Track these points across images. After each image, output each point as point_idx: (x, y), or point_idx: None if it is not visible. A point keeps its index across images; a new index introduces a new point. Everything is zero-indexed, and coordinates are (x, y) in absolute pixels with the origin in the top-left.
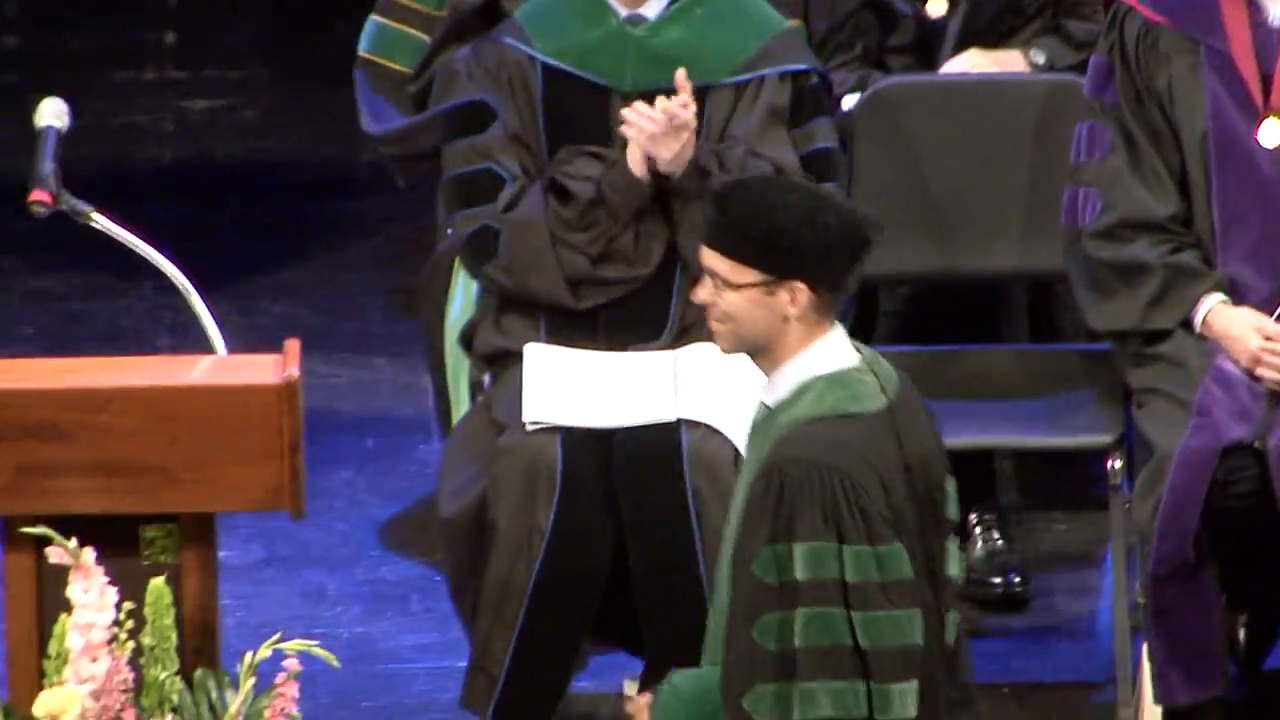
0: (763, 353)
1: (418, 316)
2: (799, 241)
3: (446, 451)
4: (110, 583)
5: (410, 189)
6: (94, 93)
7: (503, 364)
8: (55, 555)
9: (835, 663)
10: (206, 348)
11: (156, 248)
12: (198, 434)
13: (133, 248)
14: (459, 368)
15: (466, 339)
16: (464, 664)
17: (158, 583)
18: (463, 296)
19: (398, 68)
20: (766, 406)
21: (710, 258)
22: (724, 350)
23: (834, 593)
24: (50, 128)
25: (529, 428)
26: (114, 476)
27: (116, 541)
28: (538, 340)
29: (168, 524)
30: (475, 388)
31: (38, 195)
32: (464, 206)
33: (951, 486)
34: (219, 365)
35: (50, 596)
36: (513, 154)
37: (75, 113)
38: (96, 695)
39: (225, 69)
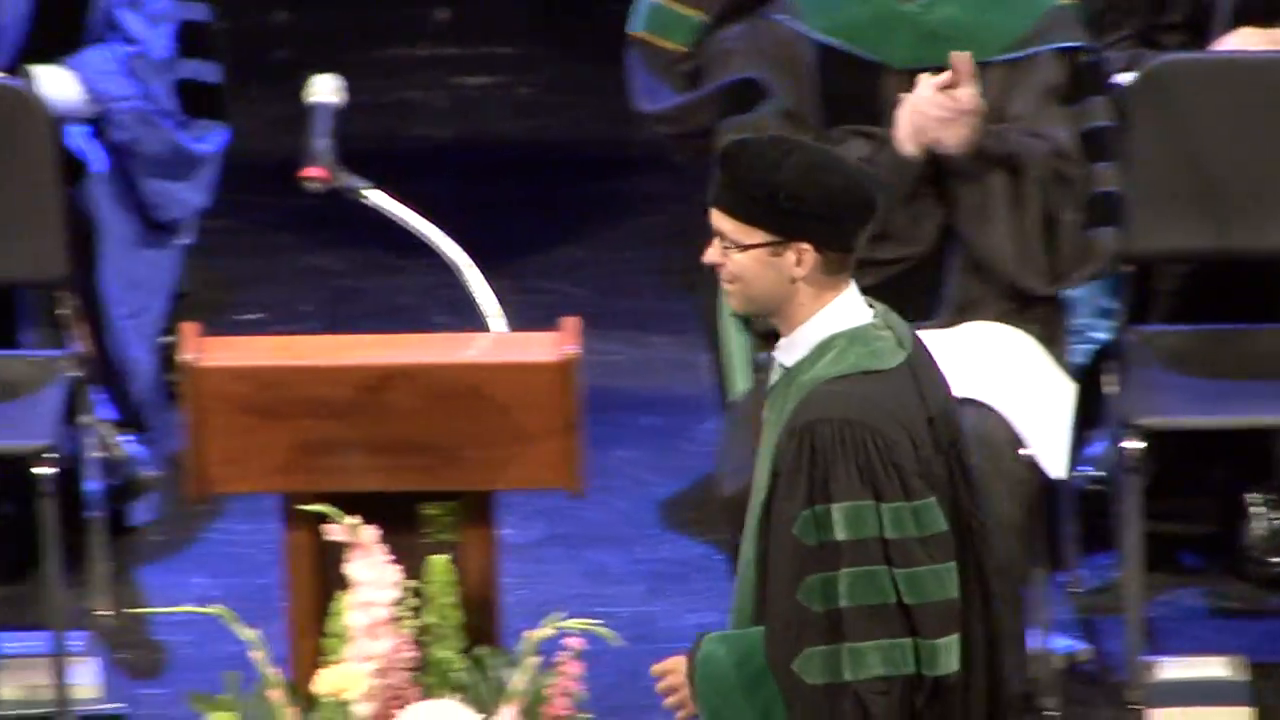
0: (776, 313)
1: (695, 294)
2: (802, 202)
3: (726, 430)
4: (390, 561)
5: (685, 167)
6: (366, 69)
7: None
8: (335, 533)
9: (882, 620)
10: (482, 325)
11: (431, 225)
12: (477, 412)
13: (408, 225)
14: (736, 344)
15: (744, 316)
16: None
17: (440, 560)
18: None
19: (671, 46)
20: (784, 367)
21: (717, 218)
22: (736, 309)
23: (876, 551)
24: (324, 104)
25: None
26: (393, 454)
27: (396, 519)
28: None
29: (449, 502)
30: (754, 366)
31: (312, 172)
32: None
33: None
34: (497, 343)
35: (330, 574)
36: (787, 131)
37: (348, 89)
38: (380, 674)
39: (500, 45)
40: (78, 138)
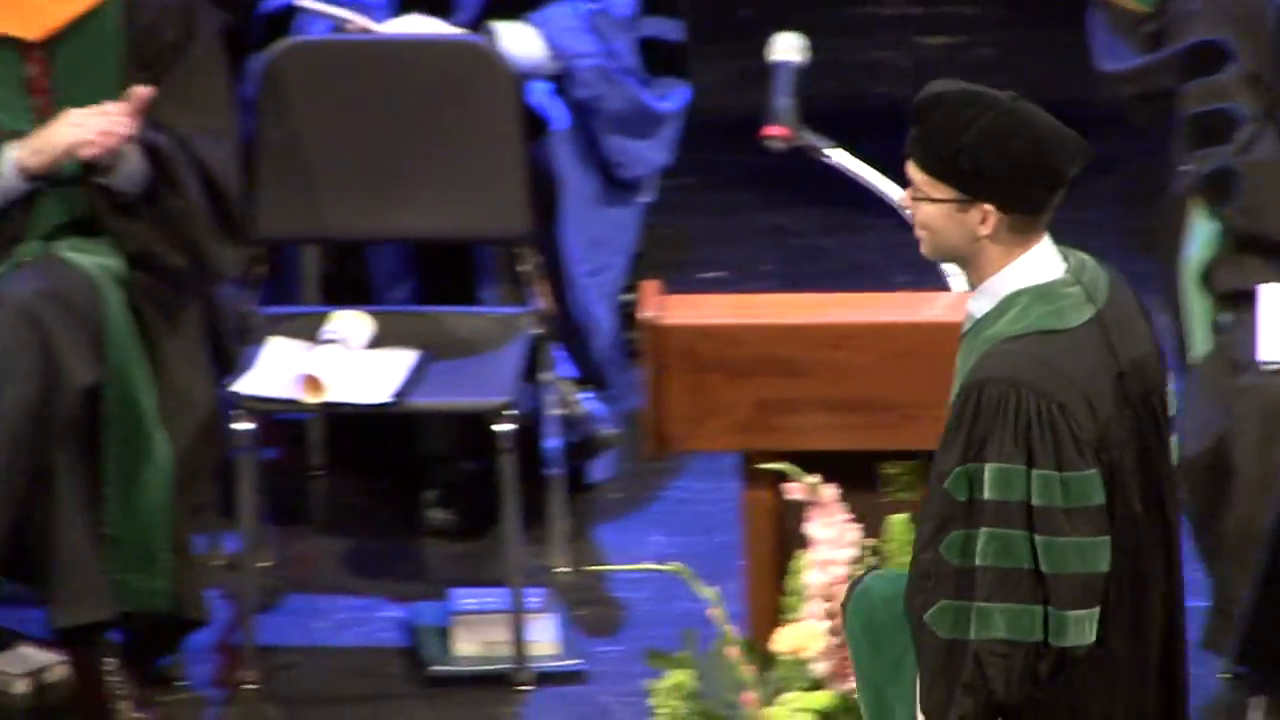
0: (964, 265)
1: (1154, 255)
2: (984, 165)
3: (1186, 392)
4: (850, 519)
5: (1145, 128)
6: (829, 27)
7: (1241, 303)
8: (794, 491)
9: (1013, 585)
10: (943, 284)
11: (893, 184)
12: (936, 371)
13: (869, 184)
14: (1196, 306)
15: (1205, 277)
16: (1205, 605)
17: (899, 519)
18: (1199, 235)
19: (1134, 7)
20: (974, 318)
21: (910, 166)
22: (926, 255)
23: (1017, 515)
24: (786, 62)
25: (1265, 368)
26: (852, 412)
27: (855, 478)
28: (1275, 280)
29: (908, 461)
30: (1216, 327)
31: (773, 130)
32: (1200, 146)
33: (1171, 385)
34: (958, 301)
35: (789, 533)
36: (1249, 94)
37: (810, 47)
38: (836, 632)
39: (962, 5)
40: (540, 94)
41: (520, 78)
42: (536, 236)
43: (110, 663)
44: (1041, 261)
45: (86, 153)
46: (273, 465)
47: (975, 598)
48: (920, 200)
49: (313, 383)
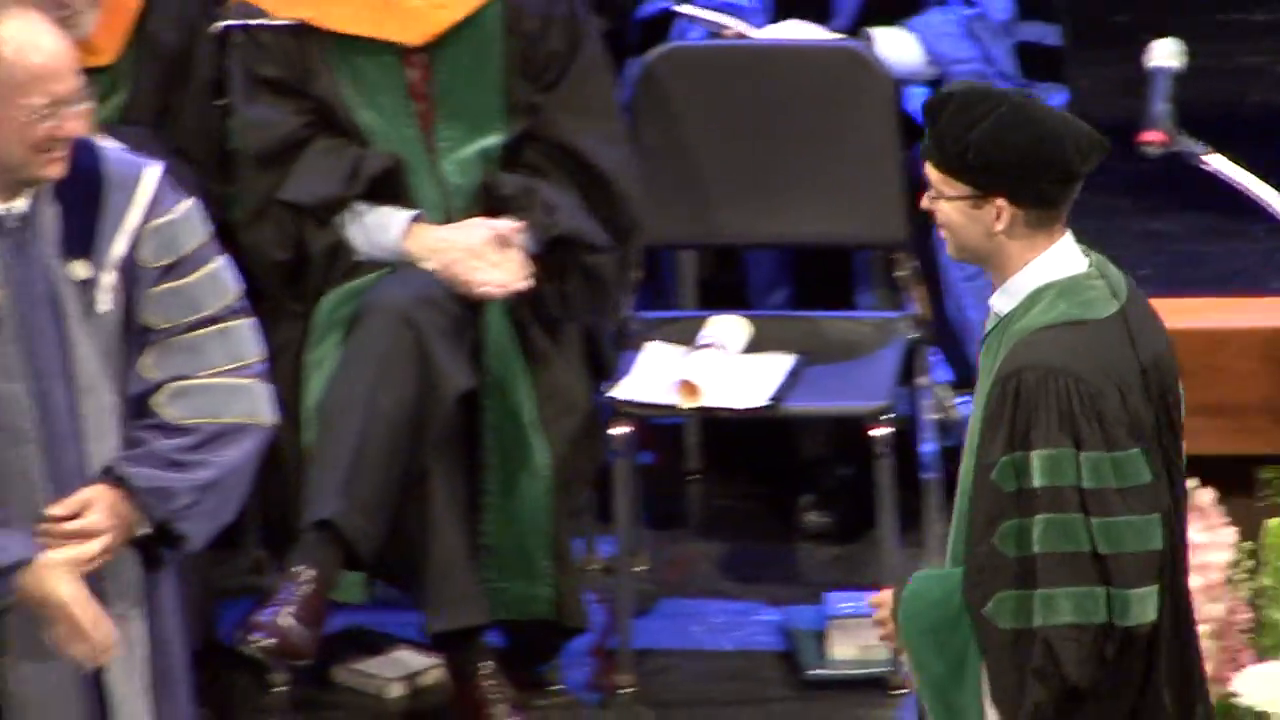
0: (987, 262)
1: None
2: (992, 159)
3: None
4: (1227, 523)
5: None
6: (1207, 33)
7: None
8: None
9: (1075, 568)
10: None
11: (1272, 190)
12: None
13: (1248, 190)
14: None
15: None
16: None
17: (1276, 523)
18: None
19: None
20: (999, 315)
21: (927, 166)
22: (951, 257)
23: (1071, 499)
24: (1164, 68)
25: None
26: (1229, 417)
27: (1232, 482)
28: None
29: None
30: None
31: (1150, 135)
32: None
33: (1181, 389)
34: None
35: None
36: None
37: (1188, 53)
38: (1216, 635)
39: None
40: (916, 100)
41: (898, 83)
42: (913, 241)
43: (486, 667)
44: (1065, 257)
45: (482, 294)
46: (649, 469)
47: (1038, 585)
48: (937, 199)
49: (689, 387)
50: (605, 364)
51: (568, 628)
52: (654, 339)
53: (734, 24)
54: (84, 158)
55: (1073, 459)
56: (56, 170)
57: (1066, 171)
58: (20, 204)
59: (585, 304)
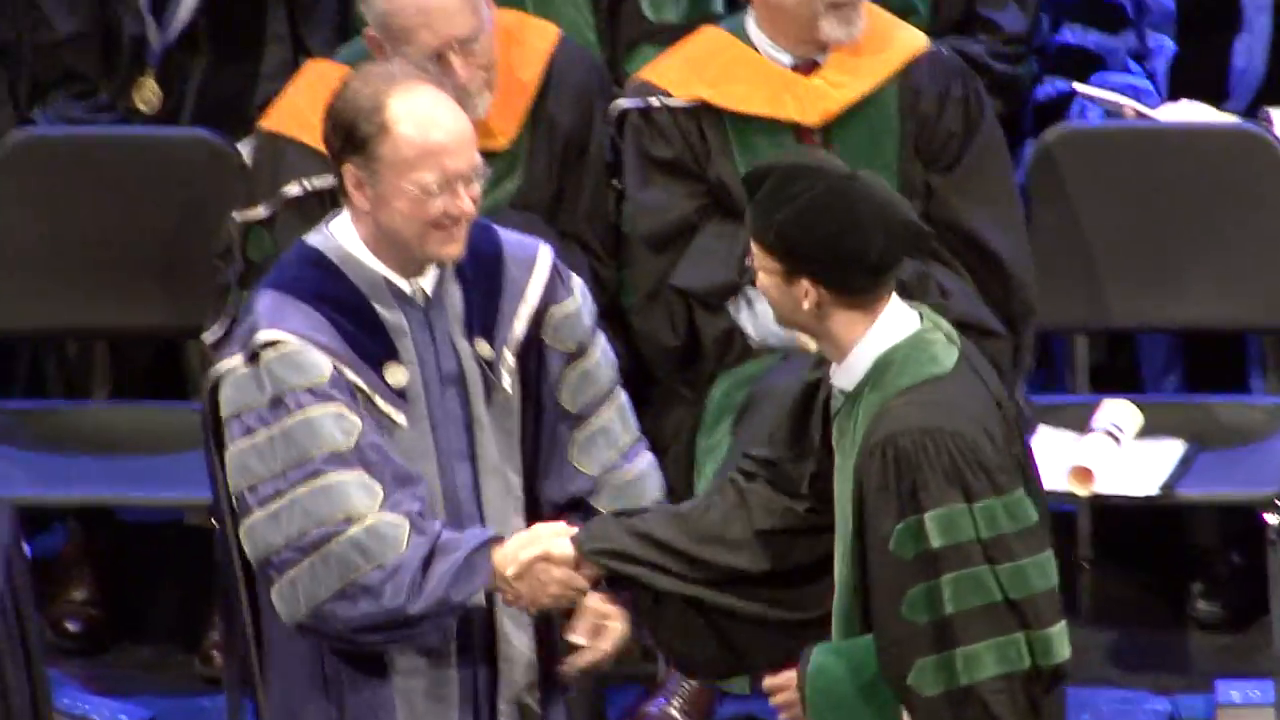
0: (814, 337)
1: None
2: (794, 243)
3: None
4: None
5: None
6: None
7: None
8: None
9: (991, 620)
10: None
11: None
12: None
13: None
14: None
15: None
16: None
17: None
18: None
19: None
20: (843, 393)
21: (750, 234)
22: (776, 323)
23: (974, 552)
24: None
25: None
26: None
27: None
28: None
29: None
30: None
31: None
32: None
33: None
34: None
35: None
36: None
37: None
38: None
39: None
40: None
41: None
42: None
43: None
44: (896, 321)
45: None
46: None
47: (958, 644)
48: (756, 269)
49: (1083, 473)
50: None
51: None
52: (1047, 424)
53: (1131, 104)
54: (483, 238)
55: (966, 513)
56: (454, 250)
57: (869, 265)
58: (427, 282)
59: None
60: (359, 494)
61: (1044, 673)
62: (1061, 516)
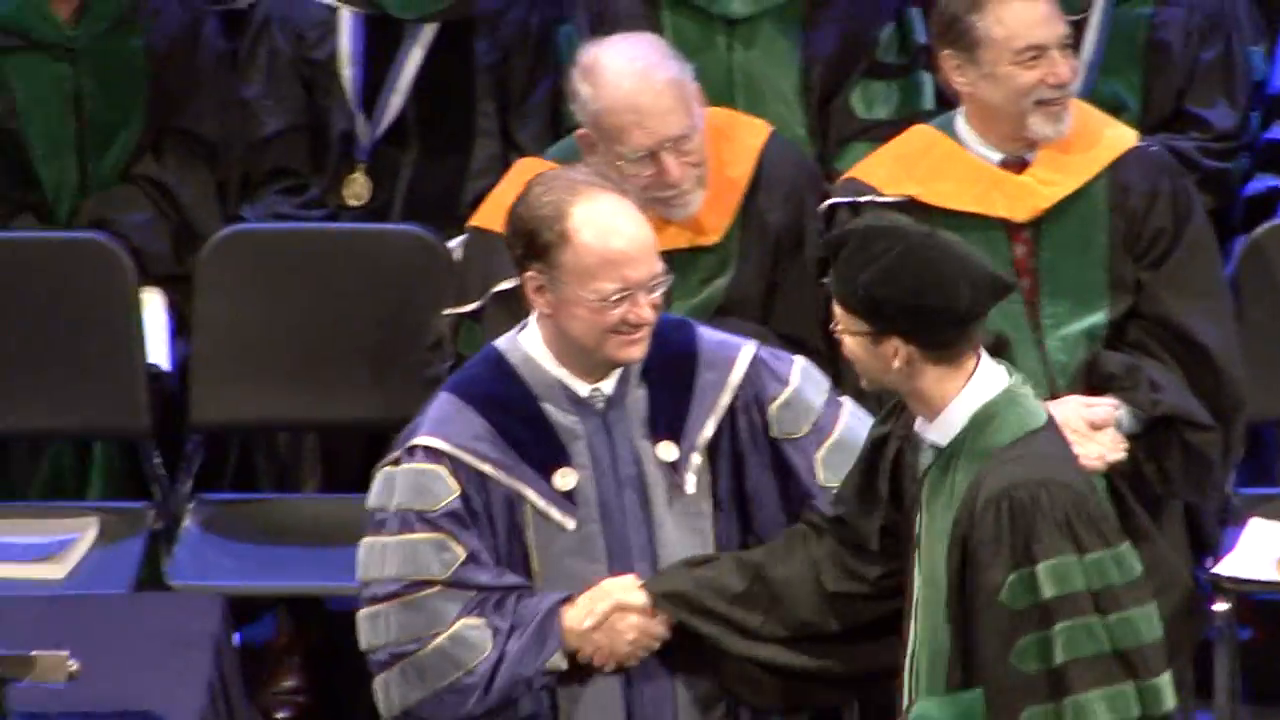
0: (905, 395)
1: None
2: (881, 300)
3: None
4: None
5: None
6: None
7: None
8: None
9: (1103, 670)
10: None
11: None
12: None
13: None
14: None
15: None
16: None
17: None
18: None
19: None
20: (937, 447)
21: (834, 299)
22: (865, 388)
23: (1086, 603)
24: None
25: None
26: None
27: None
28: None
29: None
30: None
31: None
32: None
33: None
34: None
35: None
36: None
37: None
38: None
39: None
40: None
41: None
42: None
43: None
44: (989, 378)
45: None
46: (1250, 645)
47: (1069, 693)
48: (841, 332)
49: None
50: (1208, 540)
51: None
52: (1257, 515)
53: None
54: (678, 337)
55: (1078, 564)
56: (634, 353)
57: (962, 315)
58: (607, 385)
59: (1187, 482)
60: (444, 604)
61: None
62: (1270, 605)
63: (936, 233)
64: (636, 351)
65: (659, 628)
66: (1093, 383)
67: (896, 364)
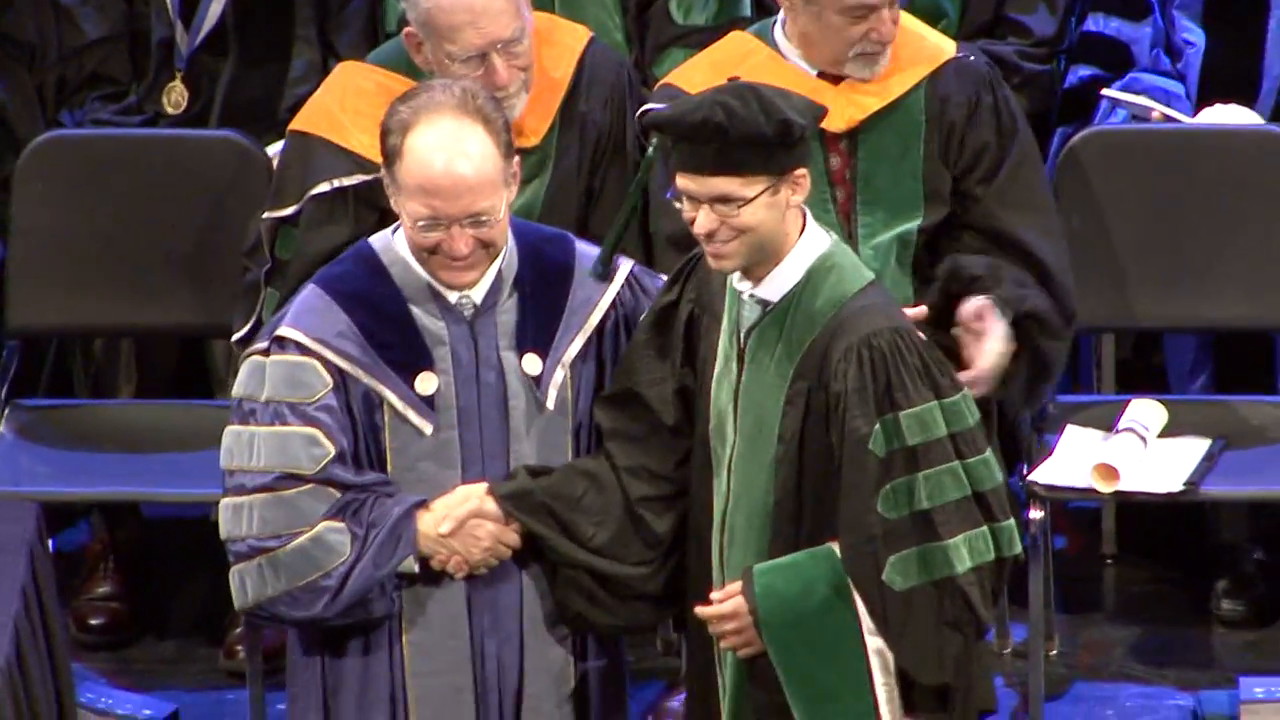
0: (771, 250)
1: None
2: (794, 127)
3: None
4: None
5: None
6: None
7: None
8: None
9: (965, 513)
10: None
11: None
12: None
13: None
14: None
15: None
16: None
17: None
18: None
19: None
20: (768, 302)
21: (716, 183)
22: (728, 270)
23: (947, 447)
24: None
25: None
26: None
27: None
28: None
29: None
30: None
31: None
32: None
33: None
34: None
35: None
36: None
37: None
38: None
39: None
40: None
41: None
42: None
43: None
44: (816, 232)
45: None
46: (1064, 553)
47: (937, 538)
48: (736, 207)
49: (1107, 471)
50: (1022, 447)
51: (978, 710)
52: (1074, 423)
53: (1160, 108)
54: (555, 250)
55: (937, 409)
56: (456, 279)
57: (803, 135)
58: (477, 293)
59: (1029, 390)
60: (311, 504)
61: (1006, 563)
62: (1086, 513)
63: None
64: (458, 278)
65: (512, 536)
66: (954, 288)
67: (795, 200)
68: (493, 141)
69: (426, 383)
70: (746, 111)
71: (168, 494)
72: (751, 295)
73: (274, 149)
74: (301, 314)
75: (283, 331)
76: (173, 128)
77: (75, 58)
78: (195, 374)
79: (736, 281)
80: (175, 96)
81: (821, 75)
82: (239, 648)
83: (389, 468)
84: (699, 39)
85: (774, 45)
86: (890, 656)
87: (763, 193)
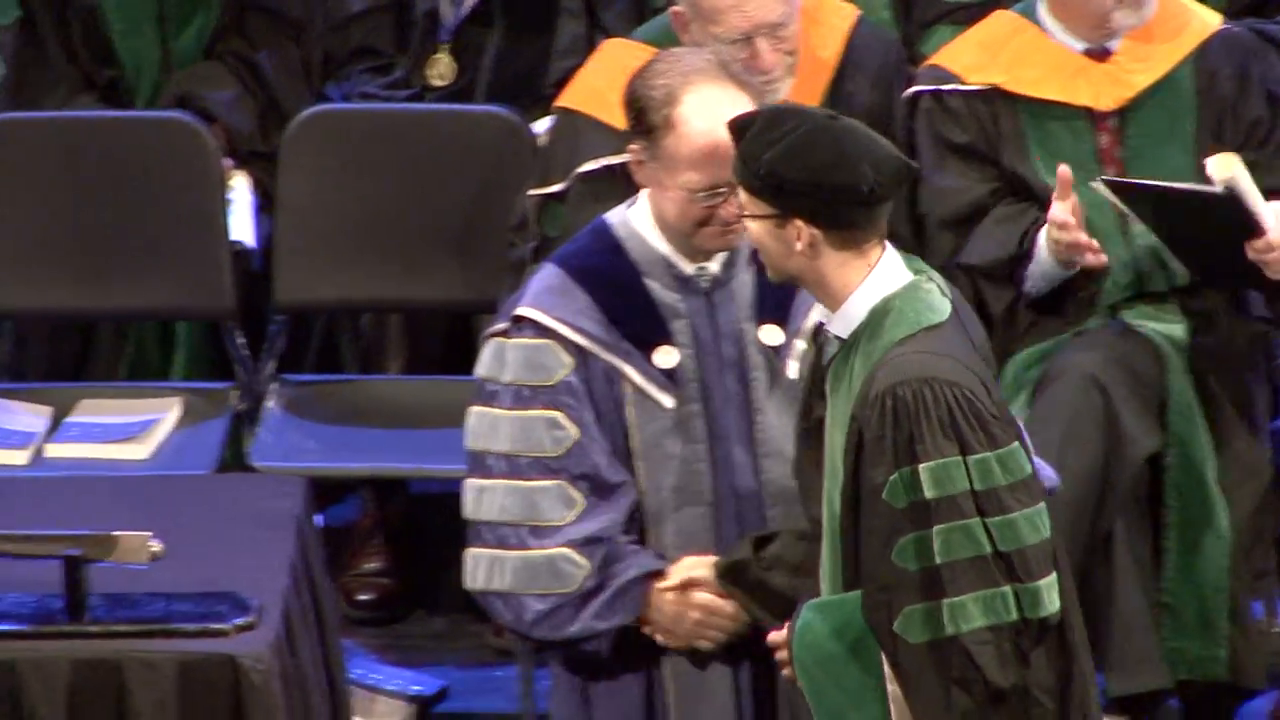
0: (807, 286)
1: None
2: (784, 181)
3: None
4: None
5: None
6: None
7: None
8: None
9: (979, 572)
10: None
11: None
12: None
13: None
14: None
15: None
16: None
17: None
18: None
19: None
20: (840, 339)
21: (739, 184)
22: (771, 279)
23: (967, 504)
24: None
25: None
26: None
27: None
28: None
29: None
30: None
31: None
32: None
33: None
34: None
35: None
36: None
37: None
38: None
39: None
40: None
41: None
42: None
43: None
44: (891, 270)
45: None
46: None
47: (945, 595)
48: (746, 219)
49: None
50: None
51: (1244, 689)
52: None
53: None
54: None
55: (960, 465)
56: (725, 243)
57: (860, 197)
58: (714, 265)
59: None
60: (552, 504)
61: (1031, 625)
62: None
63: (840, 116)
64: (727, 243)
65: (728, 609)
66: None
67: (800, 248)
68: (756, 106)
69: (666, 356)
70: (767, 135)
71: (436, 470)
72: (830, 330)
73: (539, 125)
74: (540, 293)
75: (521, 311)
76: (438, 102)
77: (341, 30)
78: (463, 349)
79: (821, 315)
80: (441, 69)
81: (1089, 54)
82: None
83: (632, 444)
84: (965, 15)
85: (1039, 23)
86: (905, 706)
87: (764, 218)
